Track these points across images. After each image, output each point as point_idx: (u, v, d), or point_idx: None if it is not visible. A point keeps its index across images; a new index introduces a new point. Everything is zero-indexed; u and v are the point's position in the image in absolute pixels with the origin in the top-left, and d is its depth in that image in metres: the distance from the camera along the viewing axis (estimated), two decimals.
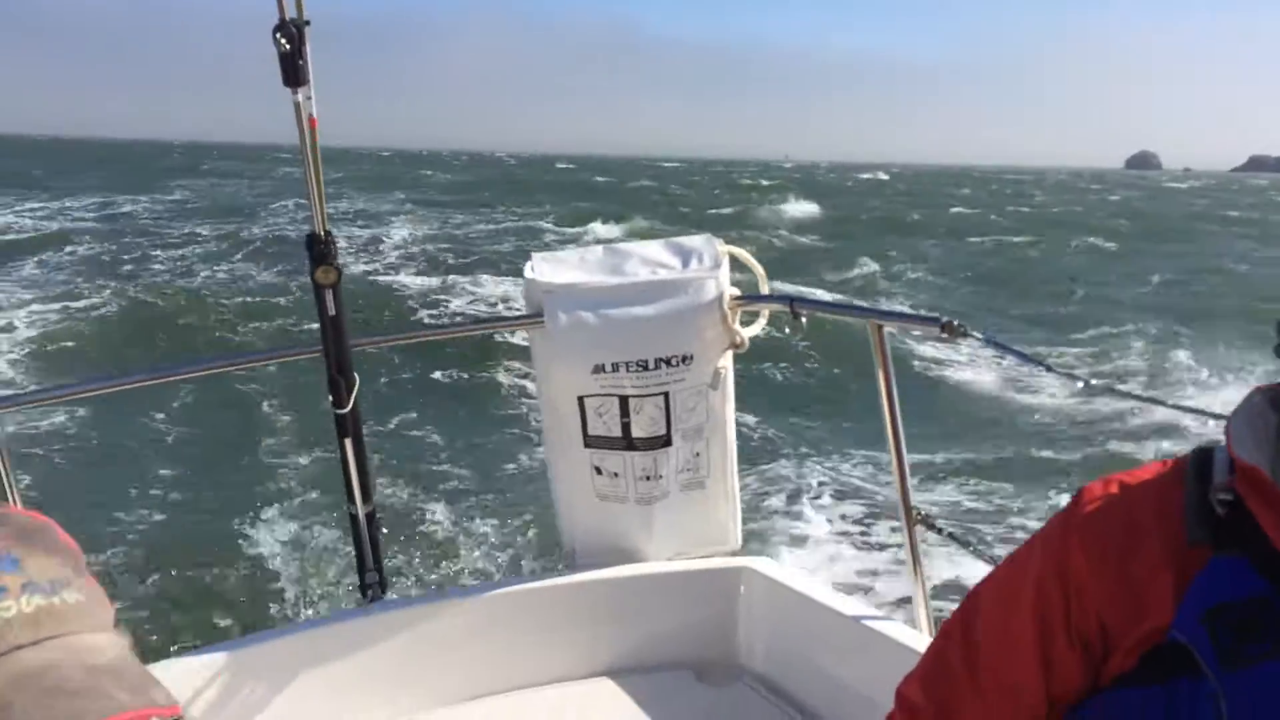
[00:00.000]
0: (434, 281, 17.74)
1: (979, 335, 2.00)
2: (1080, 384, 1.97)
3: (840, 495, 7.46)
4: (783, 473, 7.90)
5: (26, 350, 11.63)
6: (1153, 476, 1.06)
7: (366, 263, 20.26)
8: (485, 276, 17.62)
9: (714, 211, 39.90)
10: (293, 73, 2.10)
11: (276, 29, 2.06)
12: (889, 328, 2.27)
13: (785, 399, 10.22)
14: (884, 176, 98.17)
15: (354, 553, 2.58)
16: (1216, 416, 1.15)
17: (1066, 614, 1.04)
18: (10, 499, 2.20)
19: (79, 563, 0.70)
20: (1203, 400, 10.01)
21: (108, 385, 2.78)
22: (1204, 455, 1.03)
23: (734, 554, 2.78)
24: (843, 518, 6.99)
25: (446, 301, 15.87)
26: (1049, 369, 2.00)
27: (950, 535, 2.32)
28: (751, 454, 8.15)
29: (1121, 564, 1.01)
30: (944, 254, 27.02)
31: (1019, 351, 2.04)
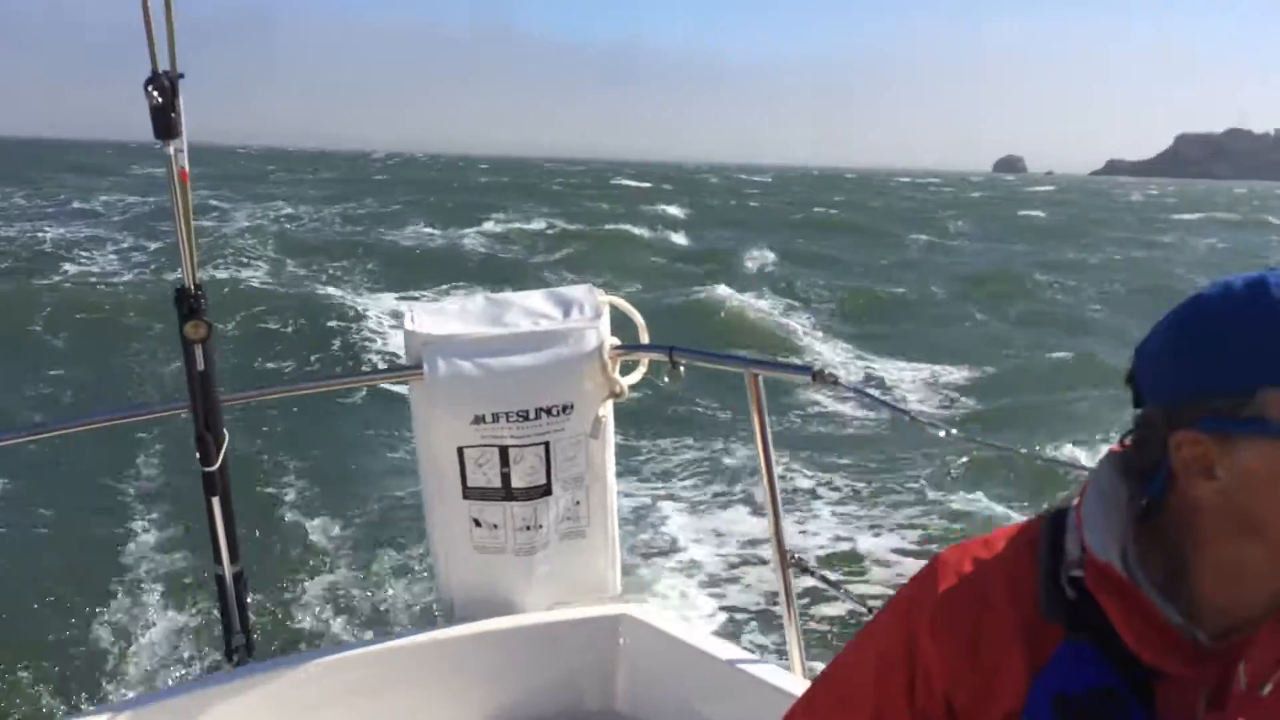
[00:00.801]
0: (301, 290, 17.50)
1: (847, 385, 2.10)
2: (942, 433, 2.07)
3: (719, 538, 7.54)
4: (662, 517, 7.94)
5: None
6: (1005, 548, 1.07)
7: (223, 265, 19.76)
8: (364, 296, 17.43)
9: (592, 207, 41.31)
10: (165, 126, 2.08)
11: (148, 82, 2.03)
12: (764, 375, 2.35)
13: (663, 442, 10.31)
14: (767, 179, 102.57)
15: (220, 615, 2.51)
16: (1078, 468, 1.21)
17: (911, 694, 1.06)
18: None
19: None
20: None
21: None
22: (1057, 523, 1.05)
23: (614, 601, 2.80)
24: (722, 561, 7.07)
25: (314, 313, 15.52)
26: (913, 419, 2.10)
27: (823, 578, 2.39)
28: (631, 500, 8.18)
29: (971, 646, 1.03)
30: (800, 252, 28.43)
31: (885, 401, 2.15)
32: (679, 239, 30.69)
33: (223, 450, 2.38)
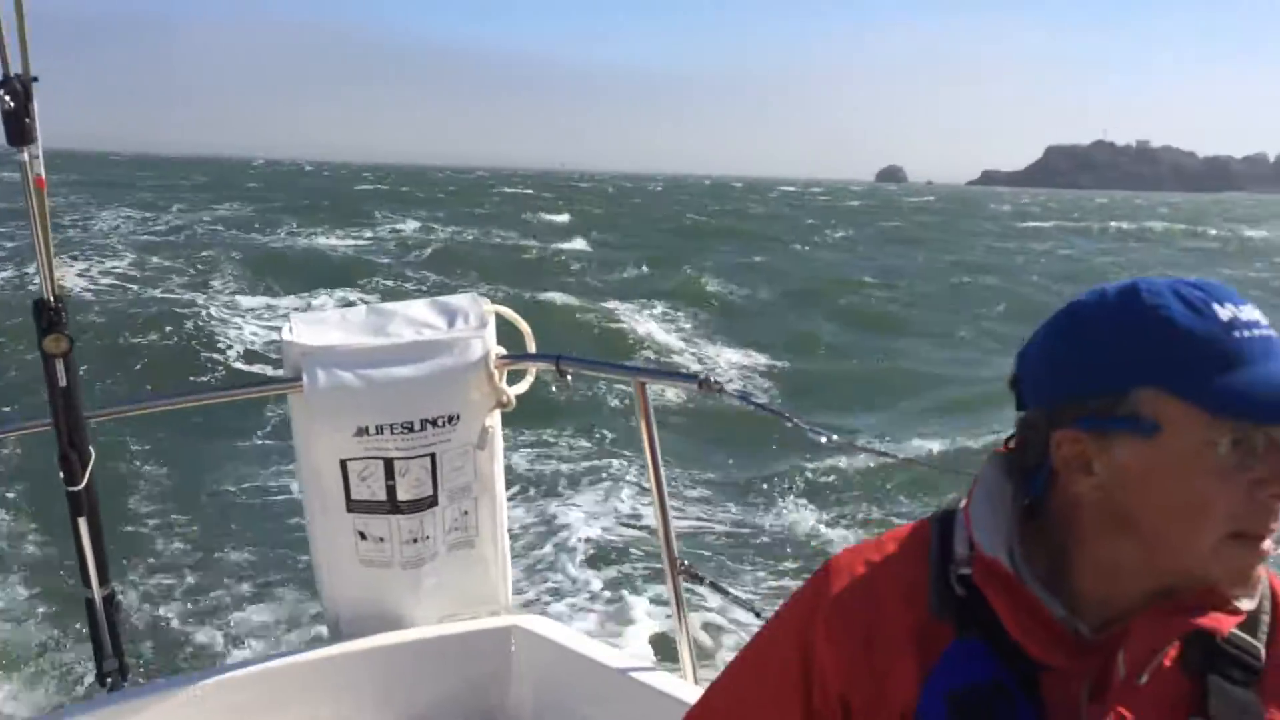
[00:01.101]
0: (163, 294, 17.04)
1: (733, 392, 2.13)
2: (824, 439, 2.13)
3: (611, 547, 7.54)
4: (554, 528, 7.91)
5: None
6: (896, 550, 1.11)
7: (90, 273, 19.00)
8: (228, 299, 17.03)
9: (470, 213, 41.88)
10: (18, 131, 1.99)
11: (0, 85, 1.94)
12: (651, 384, 2.36)
13: (555, 452, 10.28)
14: (659, 187, 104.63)
15: (91, 638, 2.40)
16: (950, 470, 1.25)
17: (808, 697, 1.09)
18: None
19: None
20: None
21: None
22: (946, 524, 1.09)
23: (505, 613, 2.77)
24: (614, 569, 7.07)
25: (175, 317, 15.01)
26: (794, 423, 2.15)
27: (713, 584, 2.41)
28: (523, 510, 8.13)
29: (865, 647, 1.06)
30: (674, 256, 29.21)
31: (768, 407, 2.20)
32: (559, 245, 30.95)
33: (89, 469, 2.29)
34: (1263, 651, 1.00)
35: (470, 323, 2.62)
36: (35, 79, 1.99)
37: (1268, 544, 0.96)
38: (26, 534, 7.05)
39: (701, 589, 2.47)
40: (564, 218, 42.43)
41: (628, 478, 9.16)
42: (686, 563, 2.37)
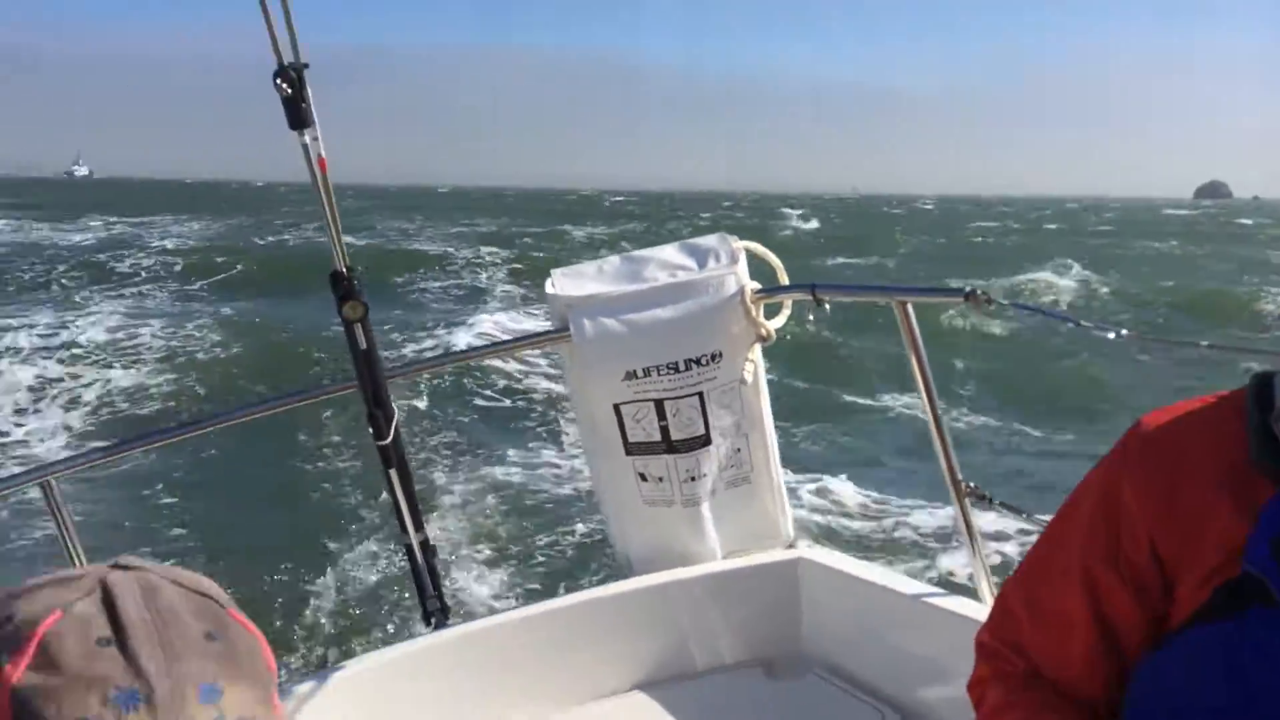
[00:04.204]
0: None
1: (1005, 302, 2.00)
2: (1111, 335, 1.97)
3: (885, 476, 7.42)
4: (823, 460, 7.87)
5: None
6: (1208, 405, 1.05)
7: None
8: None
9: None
10: (296, 115, 2.12)
11: (276, 74, 2.08)
12: (914, 303, 2.25)
13: (812, 386, 10.18)
14: (929, 206, 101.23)
15: (414, 581, 2.60)
16: (1255, 351, 1.13)
17: (1116, 547, 1.04)
18: (75, 564, 2.23)
19: (271, 689, 0.68)
20: None
21: (151, 441, 2.82)
22: (1263, 381, 1.02)
23: (787, 547, 2.78)
24: (891, 498, 6.95)
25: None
26: (1078, 324, 2.00)
27: (1003, 505, 2.28)
28: (790, 446, 8.13)
29: (1173, 492, 1.01)
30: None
31: (1051, 311, 2.05)
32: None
33: (393, 424, 2.43)
34: None
35: (722, 260, 2.62)
36: (306, 65, 2.10)
37: None
38: (348, 489, 7.81)
39: (989, 513, 2.35)
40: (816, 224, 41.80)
41: (897, 404, 8.94)
42: (973, 484, 2.26)
